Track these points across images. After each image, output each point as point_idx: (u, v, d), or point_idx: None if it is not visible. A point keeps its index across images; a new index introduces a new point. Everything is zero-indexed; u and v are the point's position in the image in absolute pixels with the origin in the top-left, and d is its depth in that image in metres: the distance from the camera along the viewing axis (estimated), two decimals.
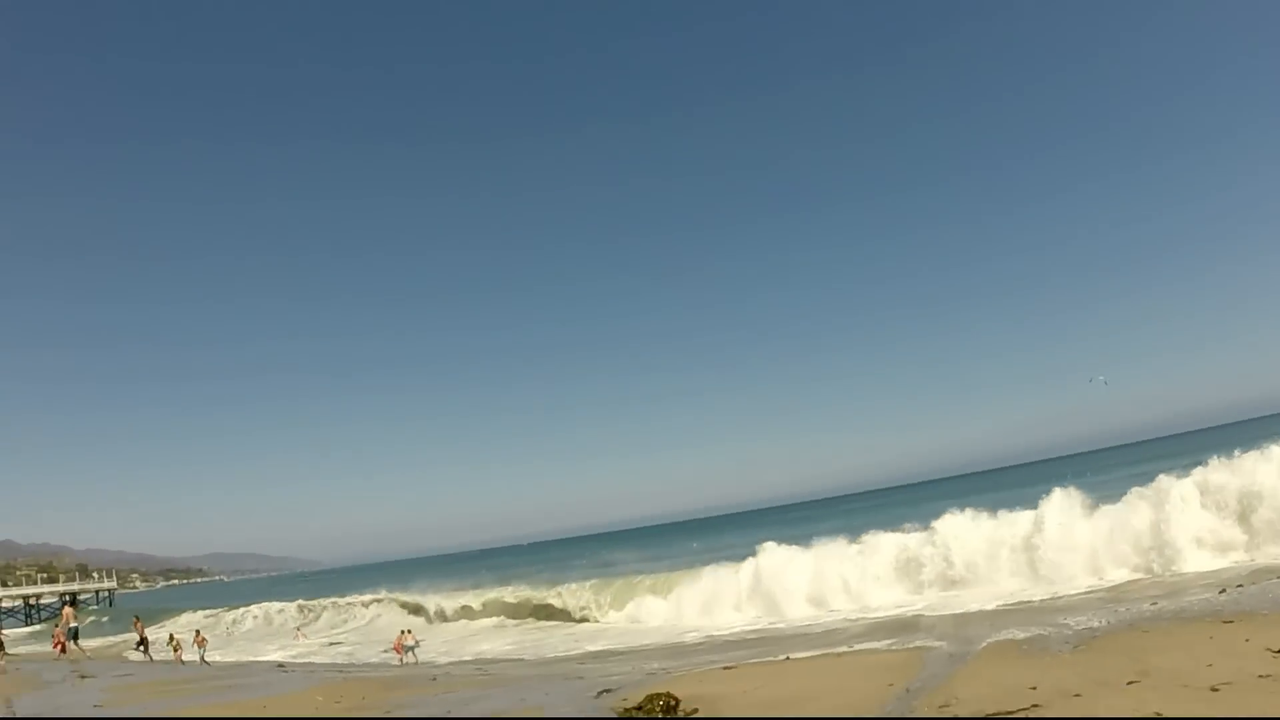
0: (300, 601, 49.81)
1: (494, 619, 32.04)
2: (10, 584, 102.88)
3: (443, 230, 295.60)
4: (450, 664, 19.96)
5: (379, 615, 40.41)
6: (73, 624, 28.45)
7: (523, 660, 18.72)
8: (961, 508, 22.60)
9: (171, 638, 31.49)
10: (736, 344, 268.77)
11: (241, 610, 53.45)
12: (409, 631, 22.94)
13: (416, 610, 38.60)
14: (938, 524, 22.09)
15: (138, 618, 49.06)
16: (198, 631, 31.23)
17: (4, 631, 29.61)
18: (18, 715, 13.68)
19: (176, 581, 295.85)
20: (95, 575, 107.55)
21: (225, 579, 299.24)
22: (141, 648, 28.38)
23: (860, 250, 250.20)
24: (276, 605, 51.33)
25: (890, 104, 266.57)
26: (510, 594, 33.34)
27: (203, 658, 26.90)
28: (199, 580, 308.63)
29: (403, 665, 20.30)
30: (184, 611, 61.56)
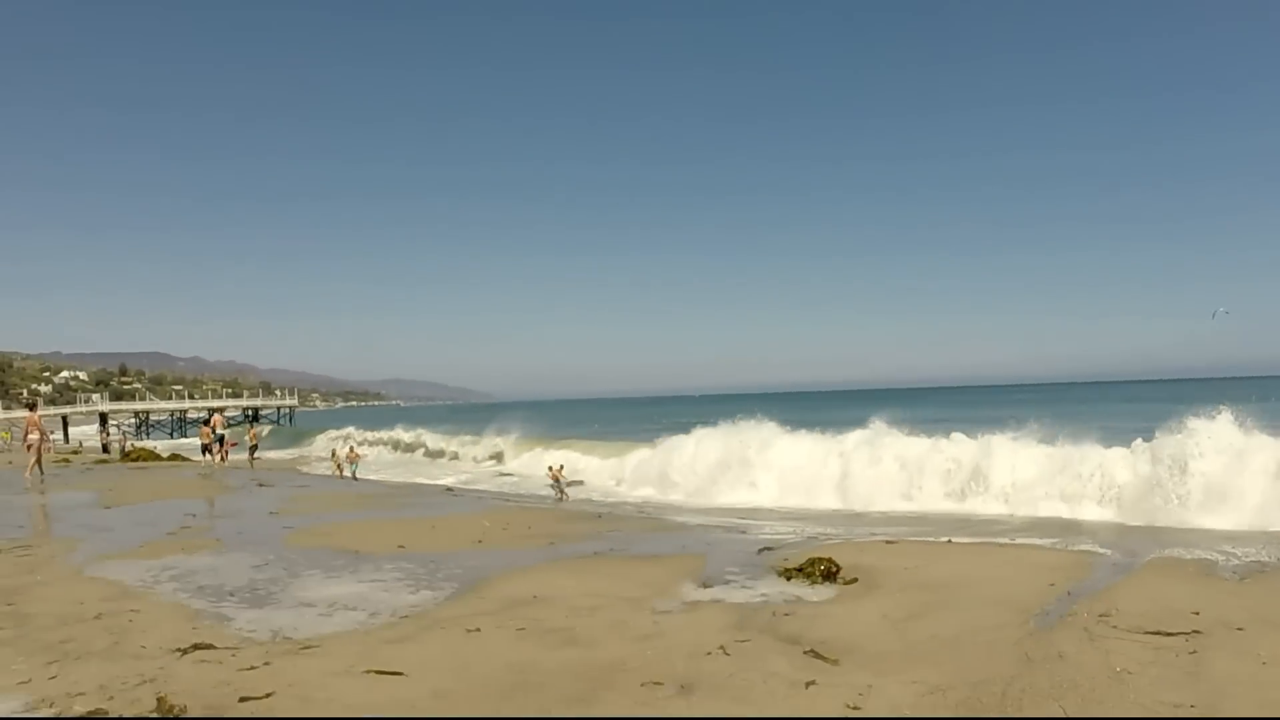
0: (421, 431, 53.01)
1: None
2: (197, 397, 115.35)
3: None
4: (613, 503, 21.22)
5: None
6: (221, 430, 33.02)
7: (685, 508, 19.64)
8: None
9: (334, 454, 34.77)
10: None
11: (386, 433, 57.32)
12: (561, 467, 23.68)
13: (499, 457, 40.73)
14: (1083, 442, 20.10)
15: (253, 425, 54.49)
16: (351, 447, 34.08)
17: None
18: (217, 514, 15.38)
19: (355, 403, 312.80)
20: (277, 393, 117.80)
21: (401, 404, 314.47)
22: (254, 452, 31.99)
23: None
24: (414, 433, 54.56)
25: None
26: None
27: (354, 474, 28.92)
28: (376, 403, 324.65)
29: (563, 500, 21.45)
30: (335, 428, 67.69)
